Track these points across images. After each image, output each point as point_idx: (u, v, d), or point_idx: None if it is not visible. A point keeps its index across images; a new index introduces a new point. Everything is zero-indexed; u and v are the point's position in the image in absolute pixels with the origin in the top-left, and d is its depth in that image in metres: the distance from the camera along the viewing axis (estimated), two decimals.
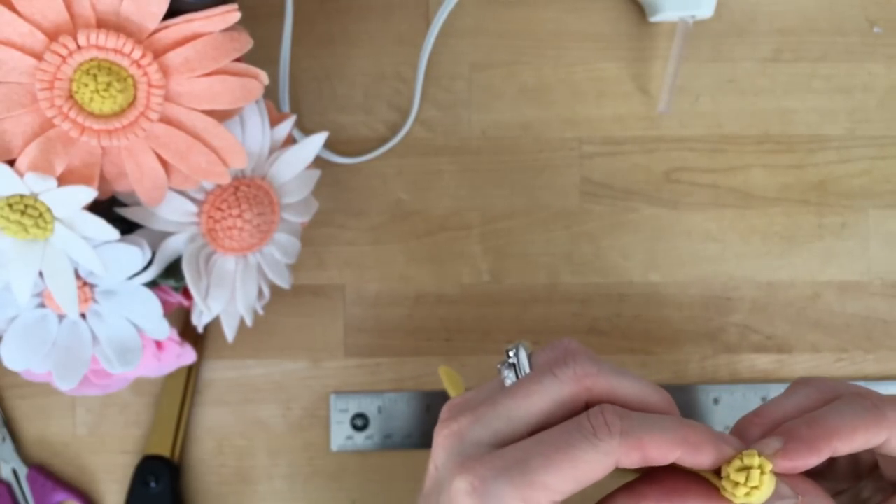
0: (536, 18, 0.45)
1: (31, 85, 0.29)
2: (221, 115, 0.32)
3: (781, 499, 0.26)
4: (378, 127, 0.45)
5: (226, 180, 0.33)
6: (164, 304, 0.36)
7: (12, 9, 0.28)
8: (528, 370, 0.30)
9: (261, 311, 0.40)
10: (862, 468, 0.32)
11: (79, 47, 0.29)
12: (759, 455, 0.26)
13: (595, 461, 0.26)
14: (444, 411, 0.30)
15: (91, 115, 0.30)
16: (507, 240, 0.45)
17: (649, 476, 0.28)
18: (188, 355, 0.39)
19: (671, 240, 0.45)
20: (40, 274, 0.32)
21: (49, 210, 0.30)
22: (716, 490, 0.26)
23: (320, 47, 0.44)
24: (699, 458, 0.26)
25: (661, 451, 0.26)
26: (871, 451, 0.29)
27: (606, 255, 0.45)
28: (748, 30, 0.45)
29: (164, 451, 0.43)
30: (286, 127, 0.37)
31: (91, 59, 0.29)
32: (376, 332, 0.44)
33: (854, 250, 0.45)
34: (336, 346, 0.44)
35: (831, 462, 0.32)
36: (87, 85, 0.29)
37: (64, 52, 0.28)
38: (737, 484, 0.26)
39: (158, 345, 0.38)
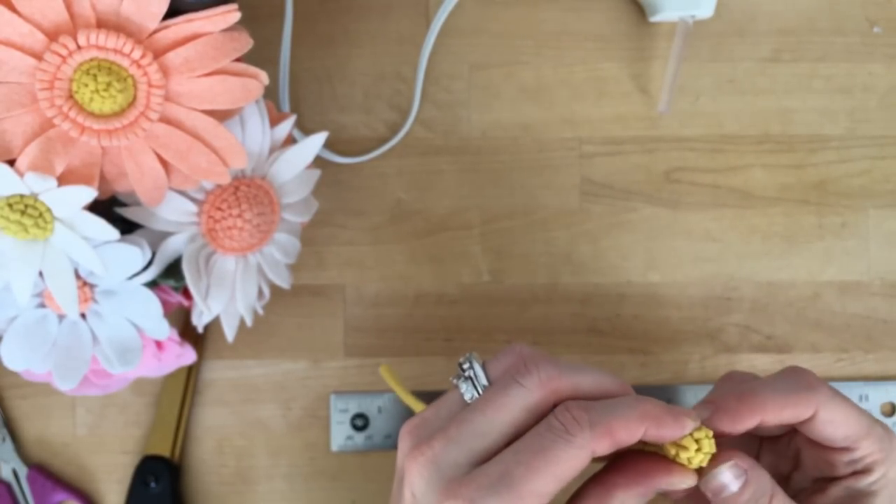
0: (536, 18, 0.45)
1: (31, 85, 0.29)
2: (221, 115, 0.32)
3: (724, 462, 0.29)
4: (378, 127, 0.45)
5: (226, 180, 0.33)
6: (164, 304, 0.36)
7: (12, 9, 0.28)
8: (485, 381, 0.31)
9: (261, 311, 0.40)
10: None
11: (79, 47, 0.29)
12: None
13: (573, 457, 0.28)
14: (406, 436, 0.30)
15: (91, 115, 0.30)
16: (507, 240, 0.45)
17: (613, 465, 0.30)
18: (188, 355, 0.39)
19: (671, 240, 0.45)
20: (40, 274, 0.32)
21: (49, 210, 0.30)
22: (672, 463, 0.29)
23: (320, 47, 0.44)
24: (662, 430, 0.28)
25: (629, 431, 0.28)
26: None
27: (606, 255, 0.45)
28: (748, 30, 0.45)
29: (164, 451, 0.43)
30: (286, 127, 0.37)
31: (91, 59, 0.29)
32: (376, 332, 0.44)
33: (854, 250, 0.45)
34: (336, 346, 0.44)
35: (797, 463, 0.34)
36: (87, 85, 0.29)
37: (64, 52, 0.29)
38: (686, 449, 0.29)
39: (158, 345, 0.38)
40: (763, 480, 0.29)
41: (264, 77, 0.32)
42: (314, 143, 0.38)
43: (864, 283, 0.45)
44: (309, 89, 0.44)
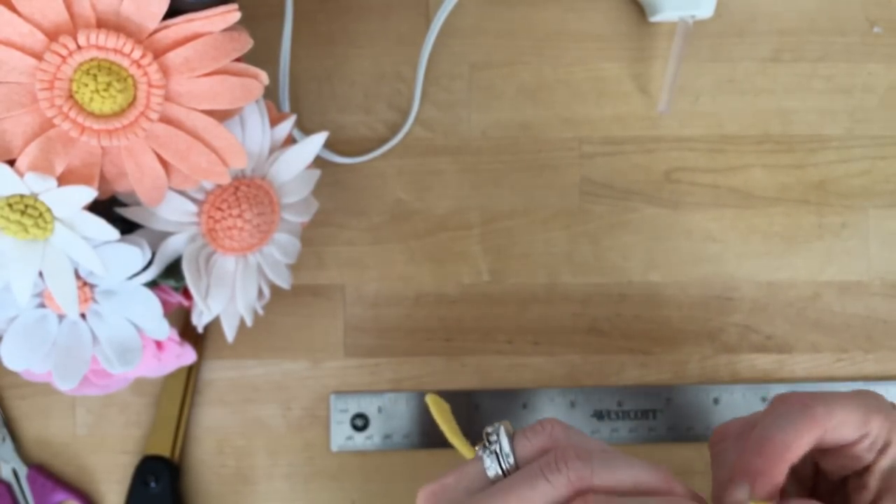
0: (536, 18, 0.45)
1: (31, 85, 0.29)
2: (221, 115, 0.32)
3: None
4: (378, 127, 0.45)
5: (226, 180, 0.33)
6: (164, 304, 0.36)
7: (12, 9, 0.28)
8: (512, 460, 0.29)
9: (261, 311, 0.40)
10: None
11: (79, 47, 0.29)
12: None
13: None
14: (424, 500, 0.29)
15: (91, 115, 0.30)
16: (507, 240, 0.45)
17: None
18: (188, 355, 0.39)
19: (671, 240, 0.45)
20: (40, 274, 0.32)
21: (49, 210, 0.30)
22: None
23: (320, 47, 0.44)
24: None
25: None
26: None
27: (606, 254, 0.45)
28: (748, 30, 0.45)
29: (164, 451, 0.43)
30: (286, 127, 0.37)
31: (91, 59, 0.29)
32: (376, 332, 0.44)
33: (854, 250, 0.45)
34: (336, 346, 0.44)
35: (817, 471, 0.34)
36: (87, 85, 0.29)
37: (64, 52, 0.28)
38: None
39: (158, 345, 0.38)
40: None
41: (264, 77, 0.32)
42: (314, 143, 0.38)
43: (864, 283, 0.45)
44: (309, 89, 0.44)
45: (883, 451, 0.31)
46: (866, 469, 0.31)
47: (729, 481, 0.30)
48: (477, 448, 0.30)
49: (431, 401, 0.37)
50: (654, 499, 0.28)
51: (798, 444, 0.30)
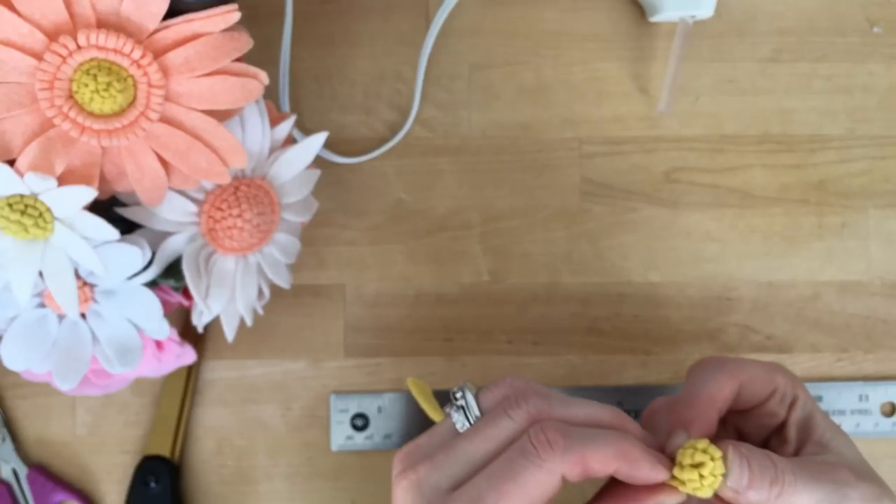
0: (536, 18, 0.45)
1: (31, 85, 0.29)
2: (221, 115, 0.32)
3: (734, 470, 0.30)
4: (378, 127, 0.45)
5: (226, 180, 0.33)
6: (164, 304, 0.36)
7: (12, 9, 0.28)
8: (477, 412, 0.32)
9: (261, 311, 0.40)
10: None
11: (79, 47, 0.29)
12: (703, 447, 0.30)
13: (542, 482, 0.29)
14: (398, 461, 0.31)
15: (91, 115, 0.30)
16: (507, 240, 0.45)
17: (603, 490, 0.32)
18: (188, 355, 0.39)
19: (671, 240, 0.45)
20: (40, 274, 0.32)
21: (49, 210, 0.30)
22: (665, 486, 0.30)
23: (320, 47, 0.44)
24: (635, 472, 0.29)
25: (602, 463, 0.29)
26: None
27: (606, 254, 0.45)
28: (748, 30, 0.45)
29: (164, 451, 0.43)
30: (286, 127, 0.37)
31: (91, 59, 0.29)
32: (376, 332, 0.44)
33: (854, 250, 0.45)
34: (336, 346, 0.44)
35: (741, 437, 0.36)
36: (87, 85, 0.29)
37: (64, 52, 0.28)
38: (692, 477, 0.30)
39: (158, 345, 0.38)
40: (760, 458, 0.31)
41: (264, 77, 0.32)
42: (314, 143, 0.38)
43: (864, 283, 0.45)
44: (309, 89, 0.44)
45: (793, 405, 0.34)
46: (783, 425, 0.34)
47: (667, 434, 0.32)
48: (445, 408, 0.32)
49: (412, 383, 0.40)
50: (606, 431, 0.30)
51: (721, 394, 0.33)
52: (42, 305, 0.34)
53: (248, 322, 0.38)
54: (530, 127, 0.45)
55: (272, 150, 0.37)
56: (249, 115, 0.35)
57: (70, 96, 0.29)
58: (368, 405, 0.44)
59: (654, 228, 0.45)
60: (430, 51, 0.44)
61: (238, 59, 0.32)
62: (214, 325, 0.41)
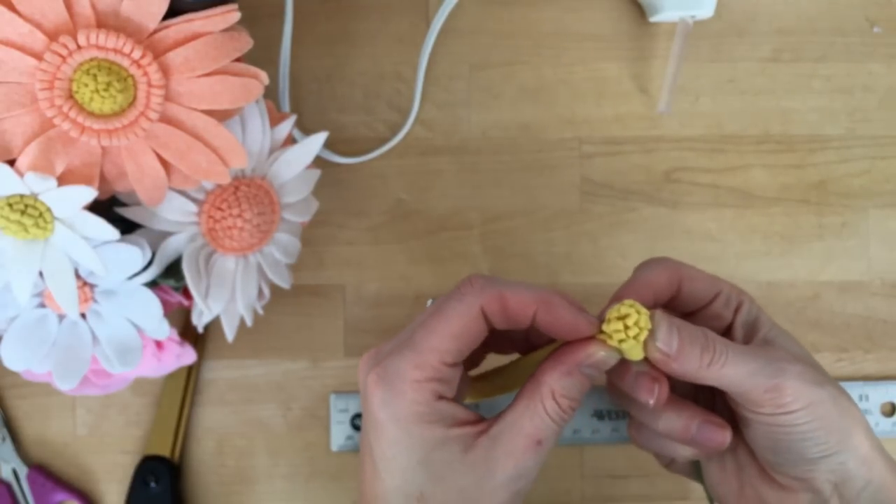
0: (536, 18, 0.45)
1: (31, 85, 0.29)
2: (221, 115, 0.32)
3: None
4: (378, 127, 0.45)
5: (226, 180, 0.33)
6: (164, 304, 0.36)
7: (12, 9, 0.28)
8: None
9: (261, 311, 0.40)
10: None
11: (79, 47, 0.29)
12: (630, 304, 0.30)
13: (462, 312, 0.31)
14: (364, 361, 0.32)
15: (91, 114, 0.30)
16: (507, 240, 0.45)
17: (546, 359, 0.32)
18: (188, 355, 0.39)
19: (671, 240, 0.45)
20: (40, 274, 0.32)
21: (49, 210, 0.30)
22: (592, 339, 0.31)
23: (320, 47, 0.44)
24: (556, 318, 0.31)
25: (520, 303, 0.31)
26: None
27: (606, 254, 0.45)
28: (748, 30, 0.45)
29: (164, 451, 0.43)
30: (286, 127, 0.37)
31: (91, 59, 0.29)
32: (376, 332, 0.44)
33: (854, 250, 0.45)
34: (336, 345, 0.44)
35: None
36: (87, 85, 0.29)
37: (64, 51, 0.29)
38: (617, 328, 0.30)
39: (158, 345, 0.38)
40: (691, 328, 0.31)
41: (264, 77, 0.32)
42: (314, 143, 0.38)
43: (864, 283, 0.45)
44: (309, 89, 0.44)
45: (738, 309, 0.35)
46: (729, 328, 0.35)
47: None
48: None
49: None
50: (537, 288, 0.31)
51: (658, 280, 0.34)
52: (42, 305, 0.34)
53: (248, 322, 0.38)
54: (530, 127, 0.45)
55: (272, 150, 0.37)
56: (249, 115, 0.35)
57: (70, 96, 0.29)
58: None
59: (654, 228, 0.45)
60: (430, 51, 0.44)
61: (238, 59, 0.32)
62: (214, 325, 0.41)
